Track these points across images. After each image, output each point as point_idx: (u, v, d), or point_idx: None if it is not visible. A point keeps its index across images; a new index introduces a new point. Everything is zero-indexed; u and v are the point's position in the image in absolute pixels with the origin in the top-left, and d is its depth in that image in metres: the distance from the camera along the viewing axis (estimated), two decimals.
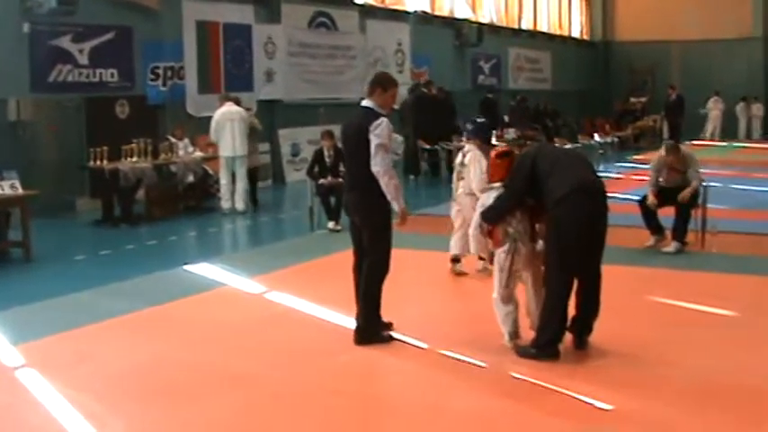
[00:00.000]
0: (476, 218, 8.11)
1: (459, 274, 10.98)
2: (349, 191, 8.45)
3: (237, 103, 17.44)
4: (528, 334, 7.88)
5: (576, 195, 7.57)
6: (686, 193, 12.31)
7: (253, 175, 17.71)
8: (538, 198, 7.78)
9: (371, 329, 8.16)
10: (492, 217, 7.89)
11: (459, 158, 11.20)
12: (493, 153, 8.25)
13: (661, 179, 12.72)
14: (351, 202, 8.40)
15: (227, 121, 16.79)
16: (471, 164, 10.59)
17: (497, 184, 8.04)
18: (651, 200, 12.54)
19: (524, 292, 8.05)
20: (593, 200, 7.76)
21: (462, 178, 10.90)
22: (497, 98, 29.07)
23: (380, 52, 26.12)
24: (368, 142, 7.92)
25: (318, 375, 7.55)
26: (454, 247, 11.04)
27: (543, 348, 7.66)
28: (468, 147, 10.98)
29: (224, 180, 16.94)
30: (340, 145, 8.87)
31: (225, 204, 16.91)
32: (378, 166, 7.95)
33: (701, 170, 13.01)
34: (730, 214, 15.50)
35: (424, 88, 24.42)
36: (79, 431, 6.29)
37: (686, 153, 13.00)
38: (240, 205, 17.03)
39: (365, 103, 8.25)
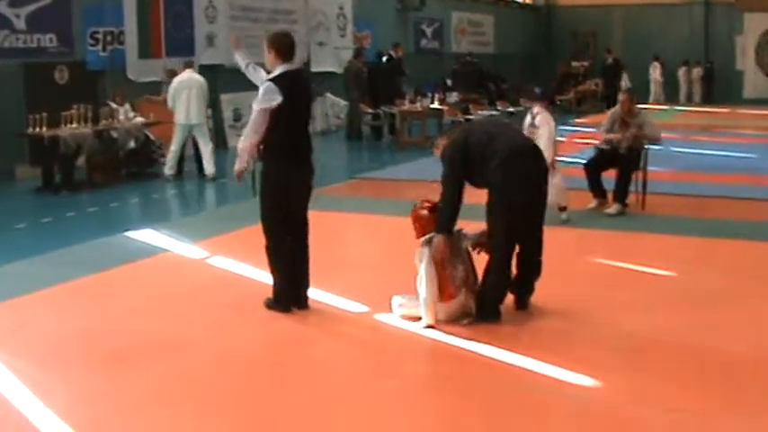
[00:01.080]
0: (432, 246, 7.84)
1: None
2: (303, 161, 8.08)
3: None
4: None
5: (514, 158, 7.64)
6: (638, 134, 12.60)
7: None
8: (477, 176, 7.81)
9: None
10: (445, 216, 7.79)
11: (528, 120, 12.10)
12: (422, 208, 8.05)
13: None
14: (306, 172, 8.13)
15: (185, 89, 16.64)
16: (542, 124, 11.73)
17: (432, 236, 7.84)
18: (608, 137, 12.79)
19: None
20: (531, 160, 7.82)
21: (536, 139, 11.21)
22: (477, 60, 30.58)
23: (322, 16, 25.99)
24: (312, 107, 7.89)
25: (261, 340, 7.58)
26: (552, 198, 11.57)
27: (487, 310, 7.71)
28: (536, 108, 12.09)
29: (174, 147, 16.79)
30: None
31: (168, 171, 16.78)
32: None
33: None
34: (671, 176, 15.70)
35: (390, 53, 24.60)
36: (22, 400, 6.24)
37: (642, 113, 13.15)
38: (210, 169, 16.87)
39: (296, 66, 8.15)
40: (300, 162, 8.02)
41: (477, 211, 7.86)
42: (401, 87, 23.48)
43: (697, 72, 38.88)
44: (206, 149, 17.03)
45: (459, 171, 7.78)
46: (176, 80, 16.86)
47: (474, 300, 7.71)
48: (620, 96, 13.06)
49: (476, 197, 7.95)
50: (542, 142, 10.88)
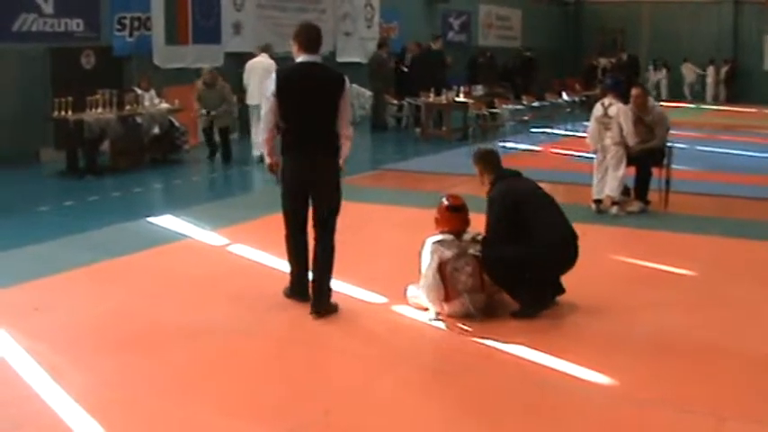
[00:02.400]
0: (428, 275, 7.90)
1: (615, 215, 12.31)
2: (309, 153, 7.75)
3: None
4: None
5: (556, 248, 7.89)
6: (640, 148, 12.55)
7: (225, 135, 17.73)
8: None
9: (330, 302, 7.99)
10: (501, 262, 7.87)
11: (600, 111, 12.68)
12: (445, 205, 8.10)
13: None
14: (310, 166, 7.76)
15: (251, 71, 17.45)
16: (619, 116, 12.29)
17: (442, 236, 7.93)
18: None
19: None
20: (570, 251, 7.98)
21: (609, 129, 12.43)
22: (534, 56, 31.78)
23: (349, 6, 25.98)
24: (336, 102, 7.69)
25: (279, 328, 7.58)
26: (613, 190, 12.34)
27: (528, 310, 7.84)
28: (608, 100, 12.69)
29: (253, 128, 17.26)
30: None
31: (255, 152, 17.20)
32: (350, 128, 7.90)
33: (671, 131, 13.15)
34: (694, 176, 15.63)
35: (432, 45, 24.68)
36: (38, 382, 6.26)
37: (658, 111, 13.09)
38: (256, 153, 17.12)
39: (313, 58, 7.83)
40: (306, 157, 7.75)
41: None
42: (445, 78, 23.49)
43: (723, 71, 38.74)
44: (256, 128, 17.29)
45: (504, 225, 7.88)
46: (249, 63, 17.85)
47: (478, 302, 7.73)
48: (634, 92, 13.01)
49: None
50: (625, 133, 12.18)
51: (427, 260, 7.84)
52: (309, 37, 7.85)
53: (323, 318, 7.73)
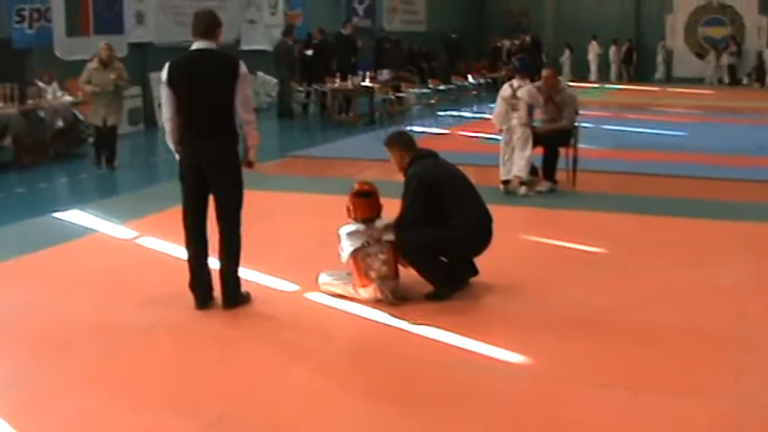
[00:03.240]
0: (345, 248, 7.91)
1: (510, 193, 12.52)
2: (203, 140, 7.52)
3: None
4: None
5: (476, 232, 7.97)
6: (548, 129, 12.82)
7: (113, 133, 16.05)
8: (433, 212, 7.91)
9: (241, 294, 7.89)
10: (402, 227, 7.92)
11: (508, 92, 12.82)
12: (354, 191, 8.07)
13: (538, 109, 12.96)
14: (205, 156, 7.52)
15: None
16: (527, 97, 12.49)
17: (354, 226, 7.93)
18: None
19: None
20: (485, 234, 8.02)
21: (517, 109, 12.59)
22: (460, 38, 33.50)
23: None
24: (232, 88, 7.44)
25: (191, 321, 7.49)
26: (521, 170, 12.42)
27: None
28: (517, 82, 12.91)
29: None
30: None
31: None
32: (251, 114, 7.65)
33: (581, 112, 13.33)
34: (602, 154, 15.86)
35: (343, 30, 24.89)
36: None
37: (568, 92, 13.26)
38: None
39: (205, 45, 7.56)
40: (200, 148, 7.52)
41: None
42: (356, 63, 23.53)
43: (623, 51, 39.38)
44: None
45: (421, 208, 7.87)
46: None
47: (388, 291, 7.71)
48: (544, 72, 13.15)
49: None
50: (522, 112, 12.43)
51: (344, 249, 7.84)
52: (199, 22, 7.62)
53: (234, 309, 7.67)
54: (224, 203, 7.66)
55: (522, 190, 12.34)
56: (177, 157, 7.77)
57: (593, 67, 39.29)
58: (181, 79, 7.54)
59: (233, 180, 7.64)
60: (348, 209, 8.05)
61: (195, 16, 7.74)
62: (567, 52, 38.56)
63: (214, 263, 7.77)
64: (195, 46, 7.61)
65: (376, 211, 8.00)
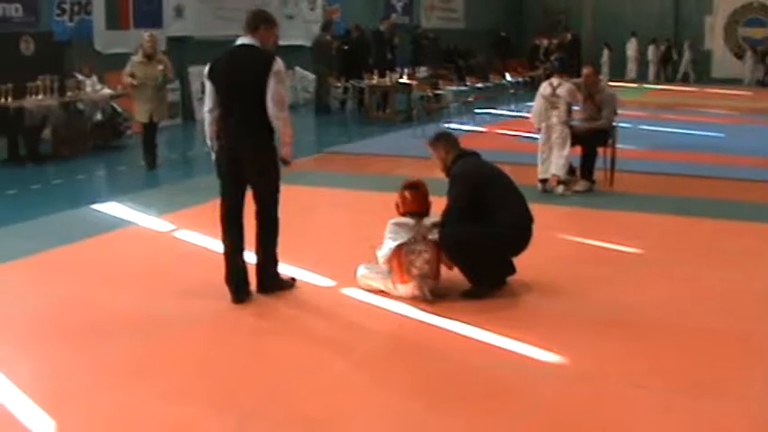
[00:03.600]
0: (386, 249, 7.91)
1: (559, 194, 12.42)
2: (238, 137, 7.65)
3: None
4: None
5: (517, 231, 7.94)
6: (587, 128, 12.71)
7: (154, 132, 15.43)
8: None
9: (278, 278, 7.99)
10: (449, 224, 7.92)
11: (548, 90, 12.66)
12: (407, 187, 8.10)
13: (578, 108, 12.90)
14: (241, 149, 7.63)
15: None
16: (568, 96, 12.39)
17: (404, 219, 7.94)
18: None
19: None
20: (526, 233, 8.00)
21: (556, 108, 12.45)
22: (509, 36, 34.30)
23: None
24: (265, 84, 7.50)
25: (227, 315, 7.51)
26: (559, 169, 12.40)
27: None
28: (557, 80, 12.68)
29: None
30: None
31: None
32: (283, 111, 7.61)
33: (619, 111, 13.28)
34: (640, 154, 15.77)
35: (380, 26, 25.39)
36: None
37: (608, 91, 13.22)
38: None
39: (245, 41, 7.72)
40: (234, 141, 7.66)
41: None
42: (393, 60, 23.57)
43: (662, 51, 39.10)
44: None
45: (465, 206, 7.87)
46: None
47: (427, 289, 7.71)
48: (585, 70, 13.11)
49: None
50: (561, 111, 12.34)
51: (386, 241, 7.86)
52: (246, 20, 7.84)
53: (270, 294, 7.75)
54: (261, 197, 7.75)
55: (560, 189, 12.30)
56: (212, 152, 7.91)
57: (632, 66, 39.07)
58: (219, 74, 7.70)
59: (269, 174, 7.71)
60: (397, 205, 8.07)
61: (246, 15, 7.93)
62: (606, 52, 38.29)
63: (251, 257, 7.80)
64: (238, 42, 7.76)
65: (424, 205, 8.01)
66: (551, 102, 12.52)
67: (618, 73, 37.78)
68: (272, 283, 7.89)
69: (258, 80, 7.51)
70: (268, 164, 7.70)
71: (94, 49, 19.05)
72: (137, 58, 14.67)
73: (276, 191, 7.78)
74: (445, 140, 8.27)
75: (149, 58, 14.68)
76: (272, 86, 7.51)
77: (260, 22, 7.79)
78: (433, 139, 8.37)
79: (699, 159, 15.94)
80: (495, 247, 7.79)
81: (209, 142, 7.92)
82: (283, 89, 7.68)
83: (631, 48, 39.11)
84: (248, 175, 7.66)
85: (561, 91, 12.43)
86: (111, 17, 19.61)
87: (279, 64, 7.59)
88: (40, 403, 5.70)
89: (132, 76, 14.54)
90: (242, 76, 7.58)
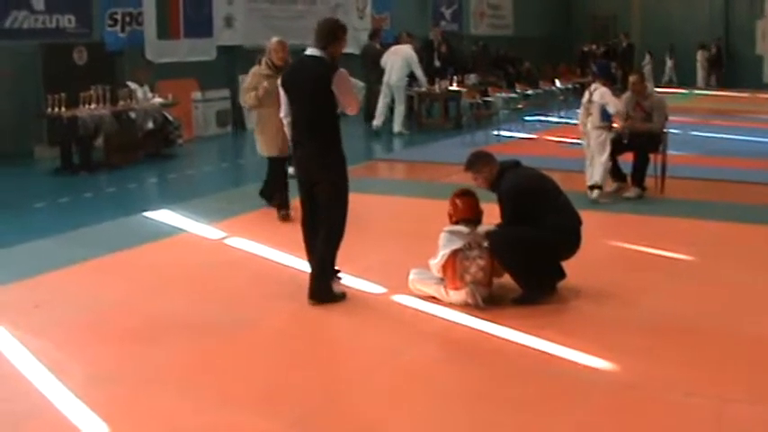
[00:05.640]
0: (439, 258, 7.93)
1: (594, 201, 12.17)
2: (304, 144, 7.94)
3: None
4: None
5: (567, 234, 7.99)
6: (640, 127, 12.59)
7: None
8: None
9: (329, 290, 8.00)
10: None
11: (586, 97, 12.68)
12: (458, 196, 8.15)
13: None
14: (307, 156, 7.94)
15: (392, 56, 20.83)
16: (602, 98, 12.24)
17: (458, 227, 7.97)
18: (619, 124, 12.65)
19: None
20: (575, 237, 8.04)
21: (590, 114, 12.38)
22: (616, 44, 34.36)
23: None
24: (327, 92, 7.73)
25: (277, 321, 7.57)
26: (598, 175, 12.31)
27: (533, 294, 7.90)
28: (594, 86, 12.61)
29: (380, 102, 21.09)
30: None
31: (376, 122, 20.90)
32: (354, 110, 8.03)
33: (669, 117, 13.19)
34: (690, 160, 15.66)
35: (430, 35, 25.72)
36: (39, 378, 6.27)
37: (657, 97, 13.13)
38: (397, 128, 20.70)
39: (314, 52, 7.88)
40: (302, 147, 7.99)
41: None
42: (443, 67, 23.63)
43: (708, 55, 38.80)
44: (398, 109, 20.87)
45: (520, 215, 7.91)
46: (391, 48, 21.05)
47: (480, 297, 7.70)
48: (632, 78, 13.06)
49: None
50: (610, 108, 12.22)
51: (441, 248, 7.87)
52: (316, 30, 7.98)
53: (320, 306, 7.76)
54: (322, 200, 7.92)
55: (594, 194, 12.21)
56: None
57: (669, 74, 38.86)
58: (288, 83, 8.06)
59: (331, 178, 7.88)
60: (450, 213, 8.11)
61: (317, 24, 8.14)
62: (648, 57, 37.88)
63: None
64: (306, 52, 8.00)
65: (476, 212, 8.03)
66: (587, 108, 12.47)
67: (665, 80, 37.58)
68: (323, 294, 7.89)
69: (322, 88, 7.75)
70: (332, 170, 7.88)
71: (145, 59, 19.21)
72: (260, 70, 11.43)
73: (337, 197, 7.90)
74: (484, 159, 8.25)
75: (278, 70, 10.81)
76: (339, 90, 7.77)
77: (323, 33, 7.94)
78: (472, 164, 8.26)
79: (751, 166, 15.77)
80: (544, 249, 7.78)
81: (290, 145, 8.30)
82: (351, 90, 7.99)
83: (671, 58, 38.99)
84: (315, 181, 7.90)
85: (596, 96, 12.34)
86: (161, 27, 19.77)
87: (339, 70, 7.80)
88: (93, 407, 5.76)
89: (255, 89, 11.25)
90: (307, 86, 7.86)
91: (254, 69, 11.49)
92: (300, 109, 7.93)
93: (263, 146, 11.35)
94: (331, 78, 7.71)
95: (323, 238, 7.91)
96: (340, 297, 7.98)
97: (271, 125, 10.78)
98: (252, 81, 11.31)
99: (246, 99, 11.45)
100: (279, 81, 8.18)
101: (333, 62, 7.85)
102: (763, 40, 38.96)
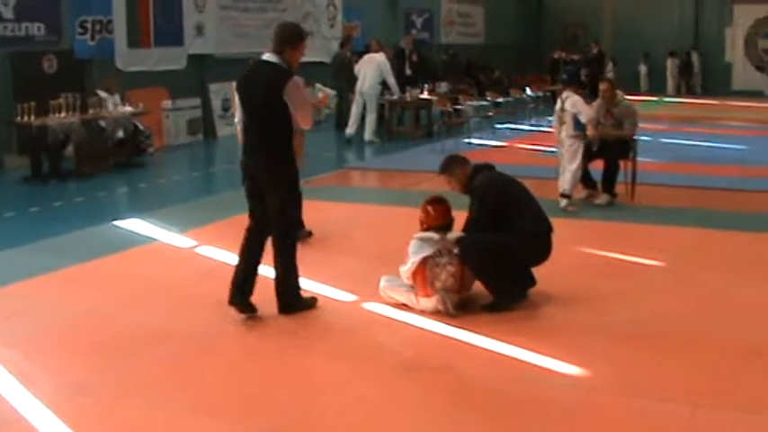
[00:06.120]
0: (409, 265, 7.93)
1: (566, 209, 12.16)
2: (253, 153, 7.67)
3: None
4: None
5: (541, 237, 8.00)
6: (611, 133, 12.64)
7: None
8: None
9: (297, 299, 7.90)
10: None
11: (558, 105, 12.64)
12: (430, 203, 8.13)
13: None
14: (256, 166, 7.64)
15: (365, 64, 20.56)
16: (574, 107, 12.18)
17: (428, 233, 7.96)
18: (591, 132, 12.57)
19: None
20: (546, 243, 8.04)
21: (564, 123, 12.36)
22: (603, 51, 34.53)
23: (311, 6, 25.87)
24: (280, 101, 7.43)
25: (250, 331, 7.53)
26: (565, 183, 12.33)
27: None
28: (566, 93, 12.56)
29: (353, 110, 20.86)
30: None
31: (348, 130, 20.59)
32: (307, 124, 7.73)
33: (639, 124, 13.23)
34: (661, 167, 15.74)
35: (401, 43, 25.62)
36: (9, 389, 6.22)
37: (626, 104, 13.14)
38: (368, 136, 20.49)
39: (269, 57, 7.63)
40: (251, 156, 7.70)
41: None
42: (413, 76, 23.64)
43: (679, 63, 39.02)
44: (369, 117, 20.64)
45: (489, 217, 7.90)
46: (364, 57, 20.80)
47: (450, 304, 7.71)
48: (602, 86, 13.10)
49: None
50: (582, 117, 12.12)
51: (411, 255, 7.87)
52: (273, 34, 7.76)
53: (289, 315, 7.71)
54: (272, 211, 7.67)
55: (563, 203, 12.22)
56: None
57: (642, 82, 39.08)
58: (240, 89, 7.75)
59: (279, 188, 7.65)
60: (421, 220, 8.10)
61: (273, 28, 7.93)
62: (611, 65, 37.86)
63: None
64: (262, 57, 7.78)
65: (447, 219, 8.04)
66: (560, 116, 12.47)
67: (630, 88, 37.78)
68: (292, 305, 7.81)
69: (274, 96, 7.46)
70: (280, 180, 7.64)
71: (116, 68, 19.12)
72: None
73: (285, 208, 7.69)
74: (458, 162, 8.27)
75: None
76: (292, 101, 7.46)
77: (283, 37, 7.70)
78: (446, 167, 8.27)
79: (721, 172, 15.87)
80: (515, 255, 7.79)
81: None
82: (303, 102, 7.64)
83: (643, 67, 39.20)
84: (263, 191, 7.66)
85: (567, 104, 12.33)
86: (132, 36, 19.65)
87: (293, 79, 7.48)
88: (63, 418, 5.73)
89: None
90: (259, 93, 7.57)
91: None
92: (252, 118, 7.66)
93: None
94: (284, 86, 7.41)
95: (276, 252, 7.75)
96: (310, 304, 7.92)
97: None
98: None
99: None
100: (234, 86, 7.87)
101: (289, 69, 7.59)
102: (732, 48, 39.24)
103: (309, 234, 10.06)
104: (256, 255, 7.80)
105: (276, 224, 7.69)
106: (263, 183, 7.63)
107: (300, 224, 9.96)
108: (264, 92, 7.51)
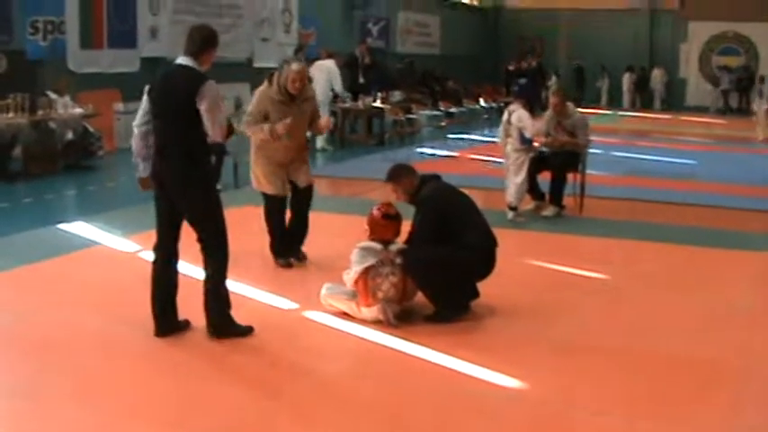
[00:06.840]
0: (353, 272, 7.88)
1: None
2: (165, 157, 7.25)
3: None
4: None
5: (481, 253, 7.96)
6: (566, 141, 12.72)
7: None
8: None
9: (229, 323, 7.45)
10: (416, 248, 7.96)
11: (505, 117, 12.54)
12: (379, 213, 8.00)
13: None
14: (165, 170, 7.28)
15: (314, 71, 19.29)
16: (519, 121, 12.13)
17: (371, 243, 7.92)
18: (541, 140, 12.70)
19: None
20: (490, 257, 8.04)
21: (510, 135, 12.28)
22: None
23: (267, 12, 25.85)
24: (194, 105, 7.03)
25: (190, 336, 7.46)
26: (511, 195, 12.34)
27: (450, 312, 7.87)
28: (513, 106, 12.53)
29: None
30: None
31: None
32: (217, 136, 7.17)
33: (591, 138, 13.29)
34: (611, 180, 15.85)
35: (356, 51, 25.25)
36: None
37: (578, 116, 13.18)
38: (320, 143, 20.25)
39: (183, 61, 7.21)
40: (160, 159, 7.30)
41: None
42: (367, 84, 23.63)
43: (635, 78, 39.41)
44: None
45: (433, 229, 7.88)
46: (315, 64, 19.89)
47: (392, 314, 7.68)
48: (552, 98, 13.13)
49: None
50: (527, 132, 12.09)
51: (353, 264, 7.85)
52: (188, 36, 7.39)
53: (219, 340, 7.32)
54: (194, 227, 7.41)
55: (510, 215, 12.25)
56: (136, 172, 7.67)
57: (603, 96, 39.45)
58: (153, 93, 7.33)
59: (197, 200, 7.31)
60: (369, 228, 8.02)
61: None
62: (554, 78, 37.81)
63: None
64: (177, 61, 7.35)
65: (396, 234, 8.02)
66: (506, 129, 12.43)
67: (593, 100, 38.06)
68: (224, 328, 7.38)
69: (186, 102, 7.07)
70: (198, 191, 7.27)
71: (67, 69, 18.97)
72: (269, 92, 9.57)
73: (206, 221, 7.34)
74: (406, 172, 8.24)
75: (292, 98, 9.57)
76: (204, 109, 7.05)
77: (196, 40, 7.34)
78: (393, 176, 8.21)
79: (671, 186, 16.00)
80: (458, 268, 7.78)
81: (133, 160, 7.57)
82: (215, 111, 7.13)
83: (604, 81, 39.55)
84: (178, 203, 7.35)
85: (513, 118, 12.26)
86: (84, 37, 19.52)
87: (208, 85, 7.10)
88: (2, 422, 5.70)
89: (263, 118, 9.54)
90: (171, 98, 7.19)
91: (263, 89, 9.64)
92: (165, 124, 7.22)
93: (261, 180, 9.66)
94: (198, 90, 7.02)
95: (206, 264, 7.41)
96: (244, 331, 7.45)
97: (277, 157, 9.62)
98: (259, 106, 9.57)
99: (245, 130, 9.84)
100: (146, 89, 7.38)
101: (204, 73, 7.22)
102: (687, 64, 39.64)
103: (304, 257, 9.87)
104: (171, 284, 7.52)
105: (202, 229, 7.35)
106: (174, 187, 7.28)
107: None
108: (178, 98, 7.11)
